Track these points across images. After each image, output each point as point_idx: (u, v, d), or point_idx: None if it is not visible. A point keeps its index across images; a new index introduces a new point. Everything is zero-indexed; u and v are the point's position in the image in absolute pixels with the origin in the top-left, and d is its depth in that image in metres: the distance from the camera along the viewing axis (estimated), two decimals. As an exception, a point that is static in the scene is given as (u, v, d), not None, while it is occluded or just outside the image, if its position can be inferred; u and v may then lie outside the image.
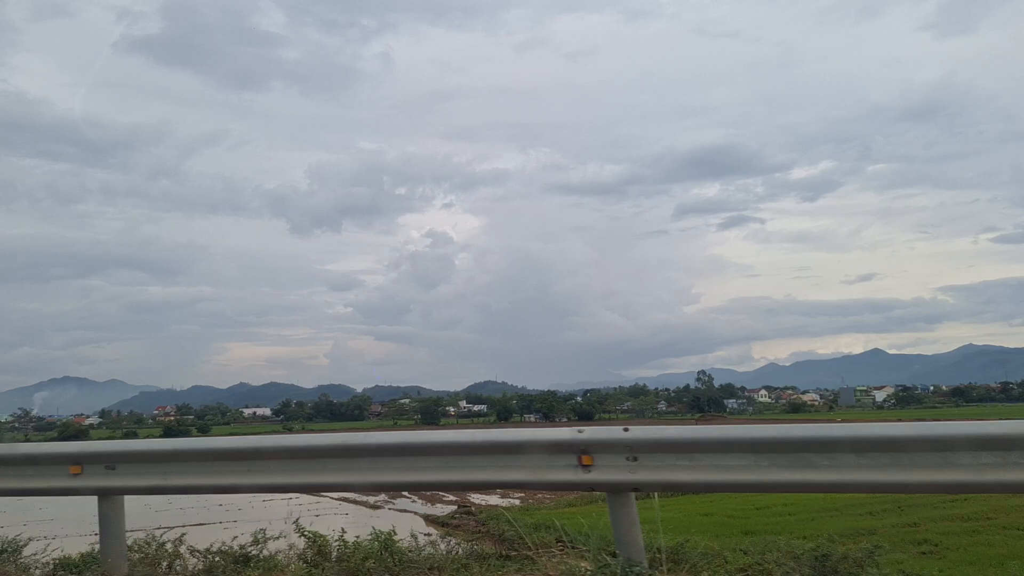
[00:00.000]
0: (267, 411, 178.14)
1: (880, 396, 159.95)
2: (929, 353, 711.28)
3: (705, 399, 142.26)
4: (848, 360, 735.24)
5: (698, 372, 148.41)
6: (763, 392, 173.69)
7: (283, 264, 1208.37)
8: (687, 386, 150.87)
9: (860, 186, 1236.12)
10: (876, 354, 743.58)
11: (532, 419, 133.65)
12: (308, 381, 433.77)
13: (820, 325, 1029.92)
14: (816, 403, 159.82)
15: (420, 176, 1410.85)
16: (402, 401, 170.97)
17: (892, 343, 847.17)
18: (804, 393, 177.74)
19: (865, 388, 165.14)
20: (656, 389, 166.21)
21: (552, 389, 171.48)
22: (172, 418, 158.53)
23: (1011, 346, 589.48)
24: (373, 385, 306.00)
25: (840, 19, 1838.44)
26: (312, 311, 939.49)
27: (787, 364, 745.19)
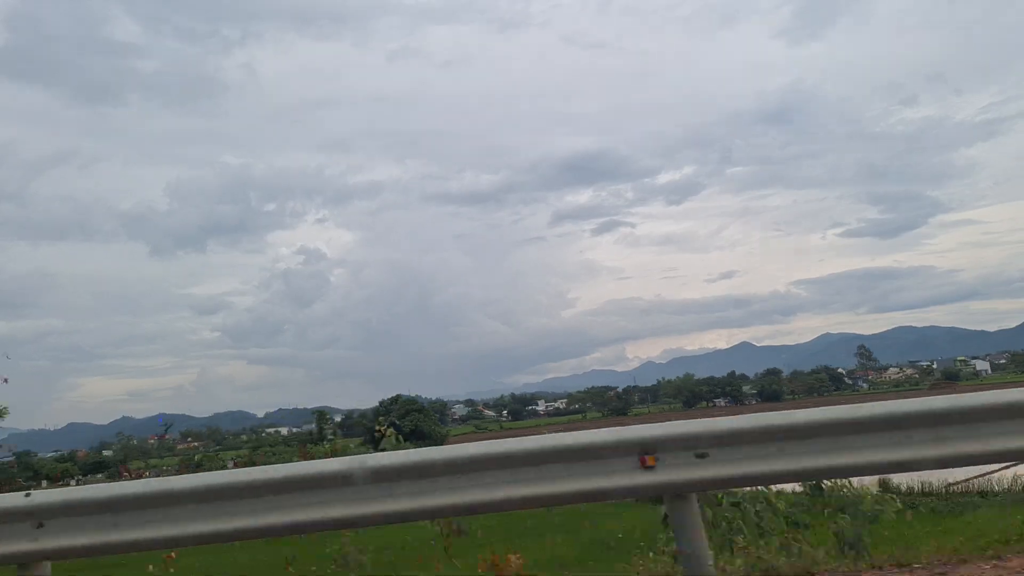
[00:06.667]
0: (283, 431, 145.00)
1: (980, 365, 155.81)
2: (792, 343, 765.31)
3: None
4: (718, 354, 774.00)
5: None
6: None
7: (142, 289, 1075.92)
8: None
9: (720, 188, 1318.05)
10: (744, 347, 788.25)
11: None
12: (202, 410, 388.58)
13: (688, 323, 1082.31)
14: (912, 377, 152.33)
15: (290, 191, 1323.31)
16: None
17: (754, 336, 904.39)
18: (885, 369, 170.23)
19: (964, 359, 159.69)
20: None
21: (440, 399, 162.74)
22: (196, 445, 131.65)
23: (866, 332, 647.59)
24: (276, 409, 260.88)
25: (701, 28, 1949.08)
26: (175, 338, 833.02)
27: (663, 362, 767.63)
